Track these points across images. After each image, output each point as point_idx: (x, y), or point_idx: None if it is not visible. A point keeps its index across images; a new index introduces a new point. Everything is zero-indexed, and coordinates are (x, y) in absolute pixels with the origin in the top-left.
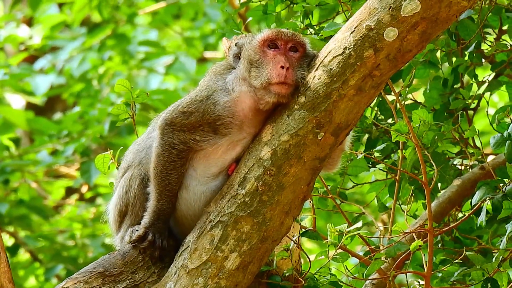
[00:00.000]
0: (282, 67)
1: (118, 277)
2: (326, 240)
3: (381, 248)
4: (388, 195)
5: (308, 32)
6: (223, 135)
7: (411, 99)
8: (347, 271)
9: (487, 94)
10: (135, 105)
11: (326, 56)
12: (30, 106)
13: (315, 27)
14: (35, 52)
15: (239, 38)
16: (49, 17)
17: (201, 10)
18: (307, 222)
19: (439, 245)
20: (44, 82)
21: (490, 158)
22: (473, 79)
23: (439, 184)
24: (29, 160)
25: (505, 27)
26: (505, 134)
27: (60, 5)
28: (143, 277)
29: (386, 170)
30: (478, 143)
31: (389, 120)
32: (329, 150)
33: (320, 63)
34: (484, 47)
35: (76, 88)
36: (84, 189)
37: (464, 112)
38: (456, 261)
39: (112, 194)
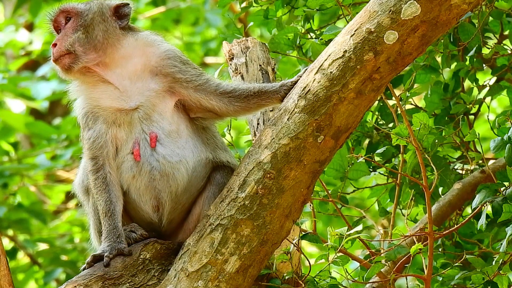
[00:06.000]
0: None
1: (118, 280)
2: (326, 244)
3: (382, 251)
4: (389, 199)
5: (309, 37)
6: (96, 121)
7: (411, 104)
8: (347, 274)
9: (488, 99)
10: None
11: (326, 59)
12: (32, 112)
13: (316, 31)
14: (36, 58)
15: (239, 42)
16: None
17: (201, 15)
18: (307, 225)
19: (440, 249)
20: (45, 89)
21: (490, 162)
22: (474, 84)
23: (440, 188)
24: (27, 164)
25: (506, 32)
26: (505, 137)
27: None
28: (143, 280)
29: (386, 174)
30: (478, 147)
31: (390, 125)
32: (329, 153)
33: (320, 66)
34: (485, 51)
35: None
36: None
37: (465, 116)
38: (456, 264)
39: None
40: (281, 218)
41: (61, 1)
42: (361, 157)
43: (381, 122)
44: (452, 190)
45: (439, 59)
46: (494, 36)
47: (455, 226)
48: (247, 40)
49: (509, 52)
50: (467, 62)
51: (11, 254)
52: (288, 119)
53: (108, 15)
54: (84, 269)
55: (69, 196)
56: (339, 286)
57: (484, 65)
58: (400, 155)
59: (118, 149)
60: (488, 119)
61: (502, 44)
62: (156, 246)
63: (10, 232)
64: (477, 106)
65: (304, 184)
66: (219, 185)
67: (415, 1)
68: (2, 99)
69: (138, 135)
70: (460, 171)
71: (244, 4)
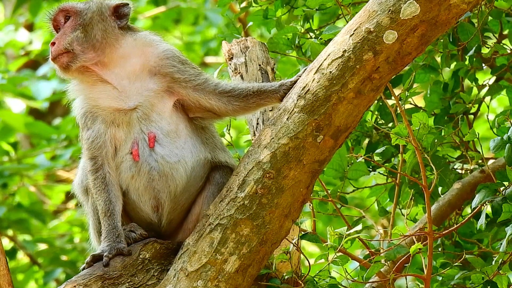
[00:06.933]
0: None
1: (117, 280)
2: (326, 243)
3: (381, 251)
4: (388, 199)
5: (308, 36)
6: (95, 121)
7: (411, 103)
8: (347, 274)
9: (487, 99)
10: None
11: (326, 59)
12: (32, 111)
13: (315, 31)
14: (36, 57)
15: (239, 42)
16: None
17: (202, 15)
18: (307, 225)
19: (439, 248)
20: (46, 88)
21: (490, 162)
22: (474, 83)
23: (439, 188)
24: (27, 164)
25: (505, 32)
26: (504, 137)
27: None
28: (143, 280)
29: (386, 174)
30: (478, 147)
31: (390, 124)
32: (329, 153)
33: (319, 66)
34: (485, 51)
35: None
36: None
37: (464, 116)
38: (456, 264)
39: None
40: (281, 217)
41: (61, 1)
42: (361, 156)
43: (380, 122)
44: (451, 189)
45: (438, 59)
46: (494, 35)
47: (455, 226)
48: (246, 40)
49: (509, 51)
50: (467, 62)
51: (11, 254)
52: (287, 119)
53: (107, 14)
54: (83, 269)
55: (69, 196)
56: (339, 286)
57: (483, 64)
58: (399, 155)
59: (117, 149)
60: (488, 118)
61: (501, 44)
62: (156, 246)
63: (10, 232)
64: (476, 105)
65: (304, 183)
66: (219, 185)
67: (414, 1)
68: (2, 99)
69: (137, 135)
70: (460, 171)
71: (243, 4)
